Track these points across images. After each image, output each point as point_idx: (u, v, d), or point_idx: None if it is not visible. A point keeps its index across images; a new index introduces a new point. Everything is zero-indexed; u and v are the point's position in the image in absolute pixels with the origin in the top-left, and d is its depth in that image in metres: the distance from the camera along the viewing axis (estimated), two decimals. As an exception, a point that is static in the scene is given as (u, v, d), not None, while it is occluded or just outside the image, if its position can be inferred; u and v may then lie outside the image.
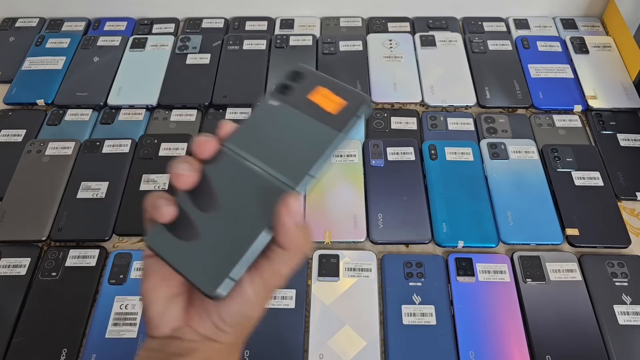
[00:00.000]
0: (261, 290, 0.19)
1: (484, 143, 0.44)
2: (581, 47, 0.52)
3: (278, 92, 0.21)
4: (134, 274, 0.37)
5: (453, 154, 0.43)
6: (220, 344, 0.19)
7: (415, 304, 0.35)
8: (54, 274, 0.37)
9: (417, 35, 0.53)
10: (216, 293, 0.18)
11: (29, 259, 0.38)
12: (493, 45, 0.52)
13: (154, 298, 0.19)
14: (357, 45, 0.52)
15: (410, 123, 0.46)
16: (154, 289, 0.19)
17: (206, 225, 0.19)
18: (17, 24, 0.56)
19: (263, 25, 0.55)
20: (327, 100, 0.21)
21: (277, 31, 0.55)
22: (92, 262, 0.38)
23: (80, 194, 0.41)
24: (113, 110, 0.48)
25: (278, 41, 0.53)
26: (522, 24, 0.55)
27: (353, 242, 0.39)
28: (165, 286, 0.19)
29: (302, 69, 0.22)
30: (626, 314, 0.35)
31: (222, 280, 0.18)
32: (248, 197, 0.19)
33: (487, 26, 0.55)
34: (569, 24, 0.55)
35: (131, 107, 0.48)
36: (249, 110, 0.48)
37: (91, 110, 0.48)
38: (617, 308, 0.35)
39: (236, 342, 0.20)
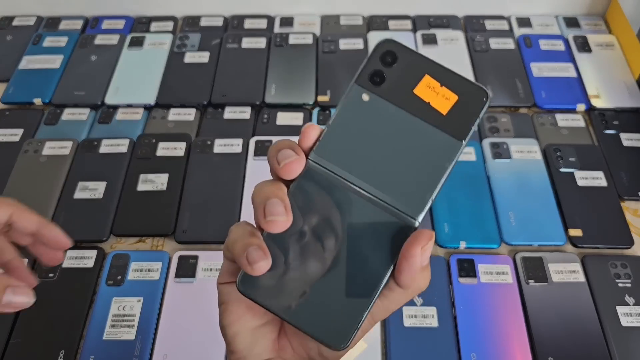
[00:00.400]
0: (367, 326, 0.17)
1: (486, 142, 0.44)
2: (584, 45, 0.51)
3: (371, 82, 0.16)
4: (132, 275, 0.37)
5: (455, 153, 0.43)
6: None
7: (416, 305, 0.35)
8: (51, 274, 0.37)
9: (418, 34, 0.53)
10: (346, 346, 0.16)
11: (26, 260, 0.37)
12: (495, 43, 0.52)
13: (240, 330, 0.17)
14: (357, 44, 0.52)
15: (412, 122, 0.46)
16: (239, 319, 0.17)
17: (315, 268, 0.16)
18: (14, 23, 0.56)
19: (262, 24, 0.55)
20: (438, 95, 0.16)
21: (277, 29, 0.54)
22: (90, 263, 0.37)
23: (78, 194, 0.41)
24: (111, 110, 0.48)
25: (277, 40, 0.52)
26: (524, 22, 0.54)
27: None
28: (252, 316, 0.17)
29: (399, 48, 0.16)
30: (629, 315, 0.34)
31: (352, 333, 0.16)
32: (362, 233, 0.16)
33: (489, 24, 0.54)
34: (571, 22, 0.54)
35: (129, 106, 0.48)
36: (248, 109, 0.47)
37: (89, 109, 0.48)
38: (620, 309, 0.35)
39: None
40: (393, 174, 0.16)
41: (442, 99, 0.16)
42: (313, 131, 0.16)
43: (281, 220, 0.15)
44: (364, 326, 0.16)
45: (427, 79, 0.16)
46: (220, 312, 0.17)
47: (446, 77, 0.16)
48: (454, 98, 0.16)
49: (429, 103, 0.16)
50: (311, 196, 0.16)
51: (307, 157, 0.16)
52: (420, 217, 0.16)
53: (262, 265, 0.15)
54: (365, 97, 0.17)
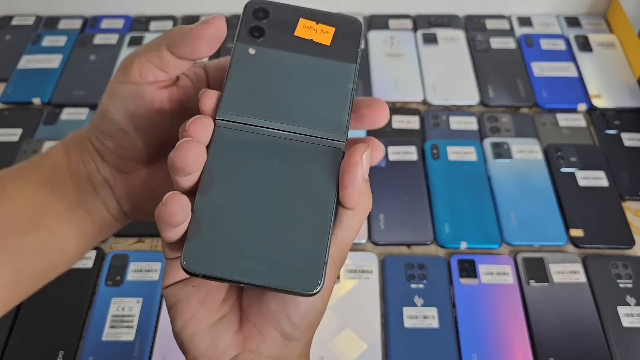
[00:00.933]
0: (332, 274, 0.16)
1: (487, 142, 0.44)
2: (585, 45, 0.51)
3: (252, 37, 0.17)
4: (131, 275, 0.37)
5: (456, 153, 0.43)
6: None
7: (417, 306, 0.35)
8: (50, 275, 0.36)
9: (418, 33, 0.53)
10: (320, 287, 0.15)
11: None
12: (496, 43, 0.51)
13: (196, 329, 0.15)
14: (357, 43, 0.52)
15: (412, 122, 0.46)
16: (193, 318, 0.15)
17: (259, 220, 0.15)
18: (13, 22, 0.55)
19: (262, 23, 0.55)
20: (318, 32, 0.17)
21: (277, 29, 0.54)
22: (89, 264, 0.37)
23: (77, 195, 0.41)
24: (110, 109, 0.47)
25: (277, 39, 0.52)
26: (525, 21, 0.54)
27: (354, 243, 0.38)
28: (206, 310, 0.16)
29: (267, 4, 0.17)
30: (630, 316, 0.34)
31: (321, 271, 0.15)
32: (296, 171, 0.15)
33: (490, 24, 0.54)
34: (572, 21, 0.54)
35: (129, 106, 0.48)
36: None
37: (88, 109, 0.48)
38: (622, 310, 0.34)
39: (305, 352, 0.17)
40: (304, 109, 0.16)
41: (322, 34, 0.17)
42: (211, 95, 0.16)
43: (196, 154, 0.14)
44: (330, 274, 0.16)
45: (303, 22, 0.17)
46: (171, 316, 0.16)
47: (319, 16, 0.17)
48: (331, 30, 0.17)
49: (311, 39, 0.17)
50: (233, 153, 0.16)
51: (214, 120, 0.16)
52: (345, 137, 0.16)
53: (175, 209, 0.14)
54: (252, 50, 0.17)
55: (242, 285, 0.15)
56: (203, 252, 0.15)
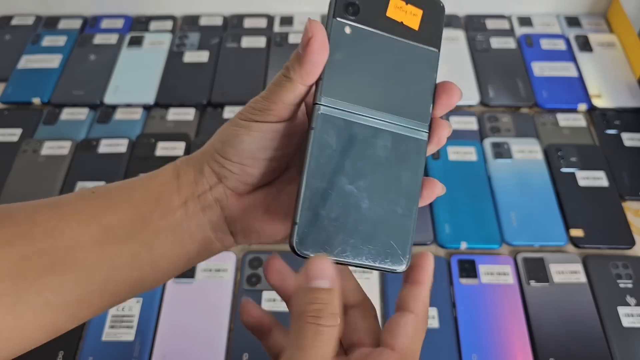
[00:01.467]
0: None
1: (487, 142, 0.44)
2: (585, 45, 0.51)
3: (348, 13, 0.17)
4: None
5: (456, 153, 0.43)
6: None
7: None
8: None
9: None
10: (408, 265, 0.17)
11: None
12: (496, 43, 0.51)
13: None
14: (357, 43, 0.52)
15: (412, 122, 0.46)
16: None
17: (358, 202, 0.17)
18: (13, 22, 0.55)
19: (262, 23, 0.55)
20: (407, 14, 0.18)
21: (277, 29, 0.54)
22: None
23: (77, 195, 0.41)
24: (110, 109, 0.47)
25: (277, 39, 0.52)
26: (525, 21, 0.54)
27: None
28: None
29: None
30: (630, 316, 0.34)
31: (408, 251, 0.17)
32: (388, 158, 0.17)
33: (490, 23, 0.54)
34: (572, 21, 0.54)
35: (128, 105, 0.48)
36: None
37: (87, 109, 0.48)
38: (622, 310, 0.34)
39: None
40: (395, 97, 0.17)
41: (411, 16, 0.18)
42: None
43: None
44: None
45: (394, 1, 0.18)
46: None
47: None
48: (419, 13, 0.18)
49: (402, 22, 0.18)
50: (334, 140, 0.17)
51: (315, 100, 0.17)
52: (429, 127, 0.18)
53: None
54: (347, 29, 0.17)
55: (345, 264, 0.17)
56: (312, 235, 0.17)
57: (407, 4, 0.18)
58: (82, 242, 0.17)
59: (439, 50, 0.18)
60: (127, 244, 0.18)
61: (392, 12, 0.18)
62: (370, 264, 0.17)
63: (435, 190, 0.18)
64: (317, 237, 0.17)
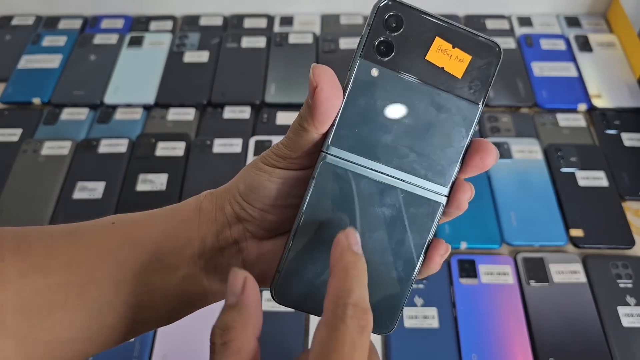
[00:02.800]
0: None
1: (486, 142, 0.44)
2: (585, 45, 0.51)
3: (378, 53, 0.15)
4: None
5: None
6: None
7: (417, 306, 0.35)
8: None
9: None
10: (392, 330, 0.16)
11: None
12: (496, 43, 0.51)
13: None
14: (357, 43, 0.52)
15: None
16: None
17: None
18: (13, 22, 0.55)
19: (262, 23, 0.55)
20: (452, 58, 0.15)
21: (277, 29, 0.54)
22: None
23: (77, 194, 0.41)
24: (110, 109, 0.47)
25: (277, 39, 0.52)
26: (525, 21, 0.54)
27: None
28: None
29: (404, 9, 0.15)
30: (630, 316, 0.34)
31: (397, 317, 0.16)
32: (393, 220, 0.15)
33: (490, 23, 0.54)
34: (572, 21, 0.54)
35: (128, 106, 0.48)
36: (248, 109, 0.47)
37: (88, 109, 0.48)
38: (622, 310, 0.34)
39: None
40: (415, 155, 0.15)
41: (455, 62, 0.15)
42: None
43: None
44: None
45: (439, 42, 0.15)
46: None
47: (457, 36, 0.15)
48: (467, 59, 0.15)
49: (442, 68, 0.15)
50: (335, 192, 0.15)
51: (321, 150, 0.16)
52: (449, 191, 0.16)
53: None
54: (375, 72, 0.15)
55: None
56: (291, 288, 0.16)
57: (453, 47, 0.15)
58: (97, 278, 0.17)
59: (483, 104, 0.15)
60: (143, 282, 0.17)
61: (433, 56, 0.15)
62: None
63: (439, 251, 0.17)
64: (296, 290, 0.16)
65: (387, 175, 0.15)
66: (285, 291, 0.16)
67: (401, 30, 0.15)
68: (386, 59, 0.15)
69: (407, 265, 0.16)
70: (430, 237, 0.16)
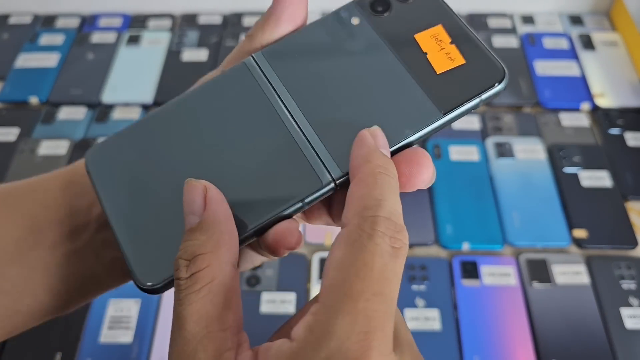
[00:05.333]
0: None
1: (489, 142, 0.43)
2: (588, 44, 0.51)
3: (372, 8, 0.14)
4: (130, 277, 0.36)
5: (458, 153, 0.42)
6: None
7: (417, 307, 0.34)
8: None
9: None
10: (151, 287, 0.13)
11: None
12: (498, 41, 0.51)
13: None
14: (358, 42, 0.51)
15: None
16: None
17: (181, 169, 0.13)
18: (10, 21, 0.55)
19: (262, 21, 0.54)
20: (442, 51, 0.13)
21: (277, 27, 0.54)
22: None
23: (75, 195, 0.40)
24: (108, 108, 0.47)
25: (277, 37, 0.51)
26: (527, 19, 0.54)
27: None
28: None
29: None
30: (633, 317, 0.34)
31: (165, 274, 0.13)
32: (264, 167, 0.13)
33: (492, 22, 0.53)
34: (575, 20, 0.54)
35: (126, 104, 0.47)
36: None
37: (85, 108, 0.47)
38: (625, 311, 0.34)
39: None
40: (341, 120, 0.13)
41: (443, 56, 0.13)
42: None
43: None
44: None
45: (439, 30, 0.13)
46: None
47: (462, 36, 0.13)
48: (458, 61, 0.13)
49: (425, 54, 0.13)
50: (231, 93, 0.13)
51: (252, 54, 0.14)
52: (340, 176, 0.13)
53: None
54: (355, 20, 0.14)
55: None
56: (106, 157, 0.13)
57: (451, 42, 0.13)
58: None
59: (448, 117, 0.13)
60: (18, 262, 0.14)
61: (423, 38, 0.13)
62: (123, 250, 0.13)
63: (286, 243, 0.13)
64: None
65: (292, 118, 0.13)
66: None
67: (409, 0, 0.14)
68: (375, 16, 0.14)
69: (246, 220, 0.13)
70: (287, 212, 0.13)
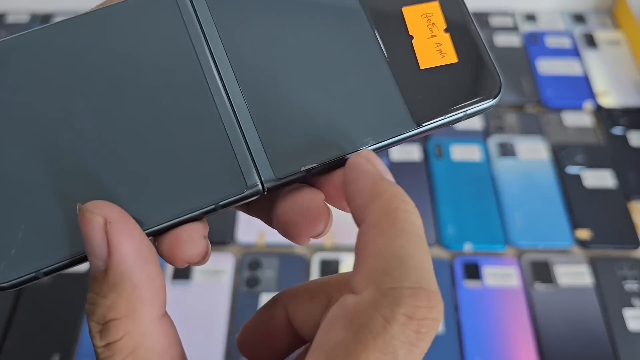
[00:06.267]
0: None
1: (491, 141, 0.43)
2: (591, 42, 0.50)
3: None
4: (128, 277, 0.36)
5: (460, 152, 0.42)
6: None
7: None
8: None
9: (421, 30, 0.52)
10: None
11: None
12: (500, 40, 0.51)
13: None
14: (359, 40, 0.51)
15: (414, 121, 0.45)
16: None
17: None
18: (8, 20, 0.55)
19: (262, 20, 0.54)
20: (431, 39, 0.10)
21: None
22: (85, 266, 0.36)
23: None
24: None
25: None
26: (530, 18, 0.53)
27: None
28: None
29: None
30: (637, 318, 0.34)
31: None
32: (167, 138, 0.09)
33: (494, 21, 0.53)
34: (578, 18, 0.53)
35: (125, 104, 0.47)
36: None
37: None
38: (628, 312, 0.34)
39: None
40: (289, 101, 0.10)
41: (432, 47, 0.10)
42: None
43: None
44: None
45: (434, 7, 0.11)
46: None
47: (461, 26, 0.11)
48: (450, 58, 0.10)
49: (411, 38, 0.10)
50: (141, 29, 0.09)
51: None
52: (271, 182, 0.10)
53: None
54: None
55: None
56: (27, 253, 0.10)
57: (446, 30, 0.11)
58: None
59: (423, 129, 0.10)
60: None
61: (411, 15, 0.10)
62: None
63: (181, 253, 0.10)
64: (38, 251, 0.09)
65: (224, 88, 0.10)
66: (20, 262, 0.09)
67: None
68: None
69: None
70: (190, 215, 0.10)
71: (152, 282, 0.09)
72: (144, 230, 0.10)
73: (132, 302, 0.08)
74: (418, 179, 0.40)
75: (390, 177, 0.10)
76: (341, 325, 0.08)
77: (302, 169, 0.10)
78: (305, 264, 0.36)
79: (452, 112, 0.11)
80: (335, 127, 0.10)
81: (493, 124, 0.45)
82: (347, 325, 0.08)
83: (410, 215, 0.09)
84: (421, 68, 0.10)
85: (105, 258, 0.09)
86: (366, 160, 0.09)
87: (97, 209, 0.09)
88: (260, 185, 0.10)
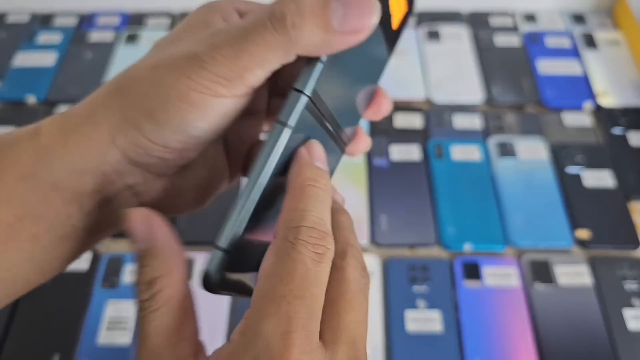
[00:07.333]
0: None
1: (491, 141, 0.43)
2: (591, 42, 0.50)
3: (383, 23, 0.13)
4: (127, 277, 0.36)
5: (459, 152, 0.42)
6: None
7: (419, 308, 0.34)
8: (44, 278, 0.36)
9: (421, 30, 0.52)
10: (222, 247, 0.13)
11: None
12: (500, 40, 0.51)
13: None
14: (358, 40, 0.51)
15: (415, 121, 0.45)
16: None
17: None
18: (8, 20, 0.55)
19: (262, 20, 0.54)
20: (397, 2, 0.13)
21: (276, 25, 0.53)
22: (85, 266, 0.36)
23: (72, 195, 0.40)
24: (106, 108, 0.47)
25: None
26: (529, 18, 0.53)
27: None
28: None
29: None
30: (636, 318, 0.34)
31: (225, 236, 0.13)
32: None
33: (494, 21, 0.53)
34: (578, 18, 0.53)
35: (125, 104, 0.47)
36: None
37: (84, 107, 0.47)
38: (628, 312, 0.34)
39: None
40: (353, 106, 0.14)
41: (398, 5, 0.13)
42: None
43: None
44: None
45: None
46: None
47: None
48: (406, 8, 0.14)
49: (390, 15, 0.13)
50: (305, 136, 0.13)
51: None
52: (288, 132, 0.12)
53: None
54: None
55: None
56: (242, 264, 0.14)
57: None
58: None
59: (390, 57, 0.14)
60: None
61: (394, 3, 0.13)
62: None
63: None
64: (244, 266, 0.13)
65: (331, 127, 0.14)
66: (230, 272, 0.12)
67: None
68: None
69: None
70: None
71: (179, 254, 0.13)
72: None
73: (167, 265, 0.13)
74: (418, 179, 0.40)
75: (321, 162, 0.13)
76: (269, 255, 0.12)
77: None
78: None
79: (400, 31, 0.14)
80: None
81: (493, 124, 0.45)
82: (272, 254, 0.12)
83: (317, 190, 0.13)
84: (394, 29, 0.14)
85: (149, 239, 0.13)
86: (306, 150, 0.13)
87: (141, 210, 0.13)
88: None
